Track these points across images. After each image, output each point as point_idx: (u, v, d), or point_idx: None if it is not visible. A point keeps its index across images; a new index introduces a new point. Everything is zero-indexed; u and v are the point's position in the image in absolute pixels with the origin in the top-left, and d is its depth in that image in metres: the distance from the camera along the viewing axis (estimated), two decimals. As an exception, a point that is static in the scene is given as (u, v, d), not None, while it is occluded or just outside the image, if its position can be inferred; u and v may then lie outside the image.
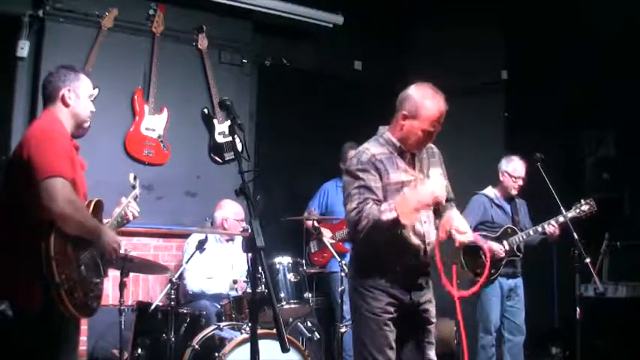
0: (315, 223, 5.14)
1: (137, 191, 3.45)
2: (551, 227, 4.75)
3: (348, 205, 3.03)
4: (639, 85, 5.52)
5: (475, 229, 4.98)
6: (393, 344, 3.04)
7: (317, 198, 5.62)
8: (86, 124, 3.03)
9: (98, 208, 2.99)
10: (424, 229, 3.09)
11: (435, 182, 2.97)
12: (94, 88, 3.08)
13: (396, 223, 2.89)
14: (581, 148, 6.32)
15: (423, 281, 3.14)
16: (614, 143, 6.19)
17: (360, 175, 3.02)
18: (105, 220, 3.12)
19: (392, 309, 3.03)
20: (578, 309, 4.37)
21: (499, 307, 4.96)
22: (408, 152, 3.12)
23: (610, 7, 5.67)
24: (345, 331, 4.78)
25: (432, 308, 3.16)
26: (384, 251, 3.03)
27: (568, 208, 4.69)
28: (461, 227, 3.03)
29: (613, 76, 5.72)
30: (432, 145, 3.25)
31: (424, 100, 3.01)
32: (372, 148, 3.11)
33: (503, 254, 4.87)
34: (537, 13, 6.22)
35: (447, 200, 3.22)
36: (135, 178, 3.52)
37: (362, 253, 3.15)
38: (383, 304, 3.02)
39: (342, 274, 4.54)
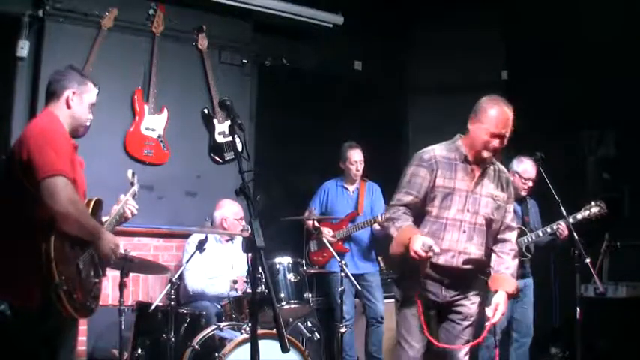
0: (316, 223, 5.13)
1: (136, 188, 3.44)
2: (560, 228, 4.74)
3: (394, 194, 3.34)
4: (639, 85, 5.52)
5: None
6: (424, 332, 3.26)
7: (317, 198, 5.60)
8: (82, 130, 3.02)
9: (97, 207, 3.00)
10: (459, 238, 3.23)
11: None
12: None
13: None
14: (581, 148, 6.32)
15: (457, 282, 3.26)
16: (614, 143, 6.18)
17: (415, 170, 3.29)
18: (104, 219, 3.12)
19: (423, 300, 3.24)
20: (578, 309, 4.36)
21: (507, 308, 4.94)
22: (473, 164, 3.28)
23: (610, 7, 5.67)
24: (345, 331, 4.78)
25: (469, 305, 3.29)
26: None
27: (570, 208, 4.67)
28: (489, 313, 3.23)
29: (613, 76, 5.72)
30: (504, 170, 3.42)
31: (487, 104, 3.25)
32: (437, 150, 3.33)
33: None
34: (537, 13, 6.22)
35: (506, 228, 3.34)
36: (133, 175, 3.51)
37: None
38: (413, 293, 3.26)
39: (342, 274, 4.54)
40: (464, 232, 3.22)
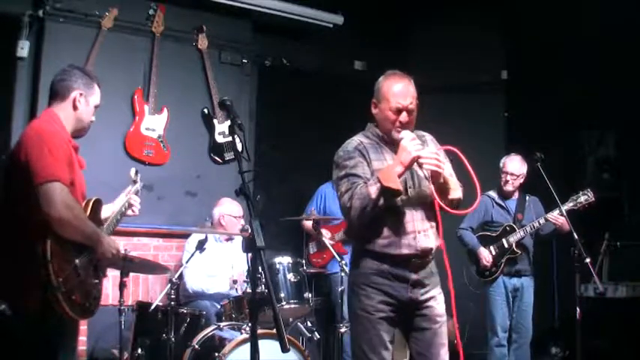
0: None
1: (138, 186, 3.43)
2: (551, 219, 4.73)
3: (340, 197, 3.02)
4: (639, 85, 5.53)
5: (478, 229, 5.02)
6: (389, 345, 2.98)
7: (314, 201, 5.57)
8: (84, 131, 3.02)
9: (96, 206, 2.99)
10: (413, 217, 2.99)
11: (407, 140, 2.91)
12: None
13: (384, 191, 2.85)
14: (581, 148, 6.32)
15: (423, 278, 3.00)
16: (614, 143, 6.19)
17: (347, 163, 3.06)
18: (109, 212, 3.13)
19: (386, 307, 2.97)
20: (578, 309, 4.37)
21: (505, 307, 4.93)
22: (393, 142, 3.05)
23: (610, 7, 5.67)
24: (345, 331, 4.77)
25: (437, 306, 3.02)
26: (378, 244, 2.98)
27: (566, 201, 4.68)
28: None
29: (613, 76, 5.73)
30: (424, 133, 3.21)
31: (384, 83, 3.10)
32: (357, 137, 3.18)
33: (486, 263, 4.90)
34: (537, 13, 6.23)
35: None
36: (136, 173, 3.49)
37: (358, 250, 3.08)
38: (375, 302, 2.96)
39: (342, 274, 4.54)
40: (417, 210, 2.99)
